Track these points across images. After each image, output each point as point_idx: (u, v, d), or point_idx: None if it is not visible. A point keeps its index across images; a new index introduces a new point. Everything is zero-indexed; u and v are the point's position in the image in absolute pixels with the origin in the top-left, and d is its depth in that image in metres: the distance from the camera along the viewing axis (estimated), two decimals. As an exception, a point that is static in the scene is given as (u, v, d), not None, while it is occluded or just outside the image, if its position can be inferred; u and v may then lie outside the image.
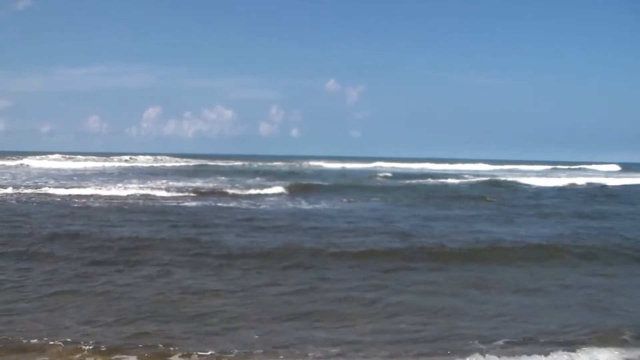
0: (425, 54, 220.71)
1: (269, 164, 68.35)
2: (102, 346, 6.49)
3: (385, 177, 43.99)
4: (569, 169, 76.56)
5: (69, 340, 6.65)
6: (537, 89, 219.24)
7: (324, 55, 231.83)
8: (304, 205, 22.27)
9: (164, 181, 33.25)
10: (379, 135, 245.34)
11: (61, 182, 30.90)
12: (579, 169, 77.77)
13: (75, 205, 20.19)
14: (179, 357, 6.31)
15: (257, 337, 7.06)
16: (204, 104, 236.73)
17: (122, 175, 39.60)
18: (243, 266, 10.91)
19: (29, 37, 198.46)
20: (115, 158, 69.65)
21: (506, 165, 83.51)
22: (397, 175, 45.77)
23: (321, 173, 50.59)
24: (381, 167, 70.23)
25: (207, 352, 6.45)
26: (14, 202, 20.90)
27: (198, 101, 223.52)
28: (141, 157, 71.93)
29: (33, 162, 55.23)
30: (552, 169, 75.20)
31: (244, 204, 21.85)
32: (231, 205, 21.43)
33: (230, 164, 65.23)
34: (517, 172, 59.22)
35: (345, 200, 24.50)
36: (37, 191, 24.72)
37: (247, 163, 66.90)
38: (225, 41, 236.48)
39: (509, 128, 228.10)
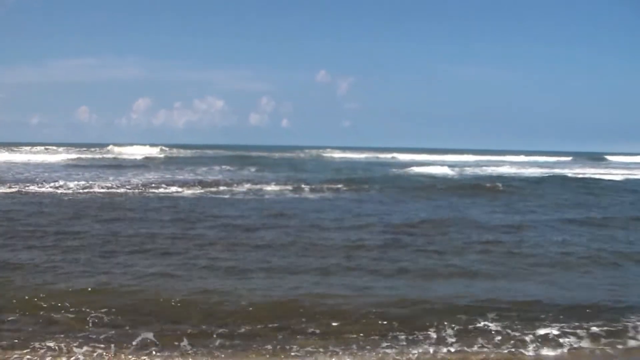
0: (417, 45, 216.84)
1: (281, 154, 61.30)
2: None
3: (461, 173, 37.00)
4: (599, 159, 72.04)
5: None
6: (532, 80, 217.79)
7: (315, 45, 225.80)
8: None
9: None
10: (369, 125, 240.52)
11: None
12: (603, 159, 73.46)
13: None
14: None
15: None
16: (194, 96, 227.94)
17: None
18: None
19: (19, 28, 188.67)
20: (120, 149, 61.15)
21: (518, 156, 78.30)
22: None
23: (368, 167, 44.04)
24: (398, 158, 64.11)
25: None
26: None
27: (188, 93, 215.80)
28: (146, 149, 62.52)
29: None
30: (573, 160, 70.49)
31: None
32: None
33: (247, 154, 57.92)
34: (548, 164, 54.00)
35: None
36: None
37: (263, 154, 59.70)
38: (216, 33, 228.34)
39: (510, 119, 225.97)
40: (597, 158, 75.58)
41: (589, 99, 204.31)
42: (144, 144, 66.94)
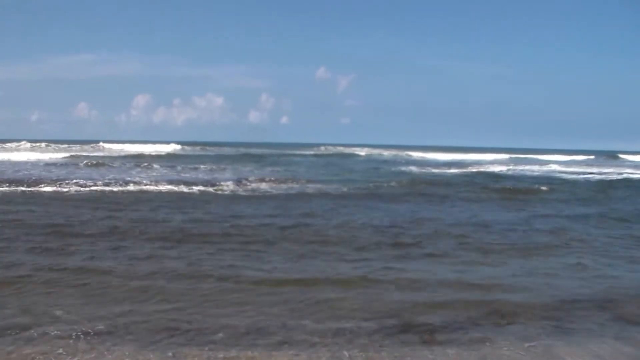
0: (419, 42, 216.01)
1: (297, 152, 58.08)
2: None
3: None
4: (616, 158, 69.97)
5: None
6: (533, 78, 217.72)
7: (315, 42, 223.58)
8: None
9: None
10: (369, 122, 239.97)
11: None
12: (618, 157, 71.41)
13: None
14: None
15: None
16: (193, 92, 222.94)
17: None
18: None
19: (17, 25, 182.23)
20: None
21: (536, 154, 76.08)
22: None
23: (415, 166, 40.72)
24: (425, 156, 61.38)
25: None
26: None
27: (188, 89, 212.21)
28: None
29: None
30: (595, 159, 68.32)
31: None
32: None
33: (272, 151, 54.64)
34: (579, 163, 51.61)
35: None
36: None
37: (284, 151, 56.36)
38: (215, 29, 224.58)
39: (510, 118, 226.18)
40: (614, 157, 73.70)
41: (592, 98, 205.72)
42: (144, 142, 63.05)
